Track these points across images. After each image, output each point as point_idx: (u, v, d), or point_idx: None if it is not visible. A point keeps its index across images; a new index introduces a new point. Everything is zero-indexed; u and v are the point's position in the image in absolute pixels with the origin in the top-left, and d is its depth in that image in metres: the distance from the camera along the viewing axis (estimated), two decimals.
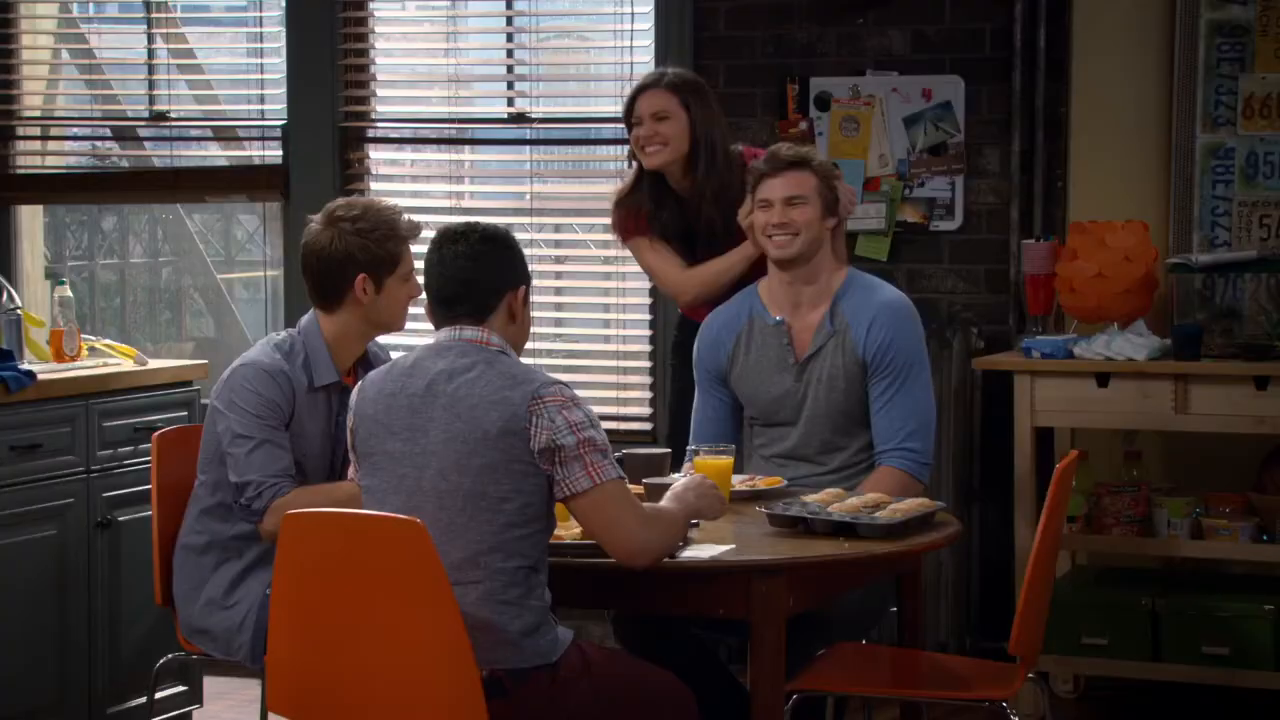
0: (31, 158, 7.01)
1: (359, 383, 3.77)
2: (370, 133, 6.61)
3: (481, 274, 3.68)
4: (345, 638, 3.55)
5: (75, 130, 7.13)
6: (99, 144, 7.15)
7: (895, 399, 4.52)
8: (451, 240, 3.69)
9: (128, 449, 5.11)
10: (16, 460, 4.88)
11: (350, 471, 3.85)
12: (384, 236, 4.25)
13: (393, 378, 3.67)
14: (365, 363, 4.37)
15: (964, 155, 5.94)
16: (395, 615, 3.50)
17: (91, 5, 7.48)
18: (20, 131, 6.99)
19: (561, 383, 3.59)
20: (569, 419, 3.54)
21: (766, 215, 4.61)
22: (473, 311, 3.67)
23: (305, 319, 4.32)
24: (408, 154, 6.71)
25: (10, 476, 4.87)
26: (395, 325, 4.34)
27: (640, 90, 5.05)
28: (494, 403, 3.55)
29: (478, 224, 3.73)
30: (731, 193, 4.93)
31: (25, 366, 4.93)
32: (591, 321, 6.50)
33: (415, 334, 5.71)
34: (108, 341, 5.41)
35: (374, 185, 6.54)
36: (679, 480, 3.95)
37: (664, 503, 3.77)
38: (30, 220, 7.02)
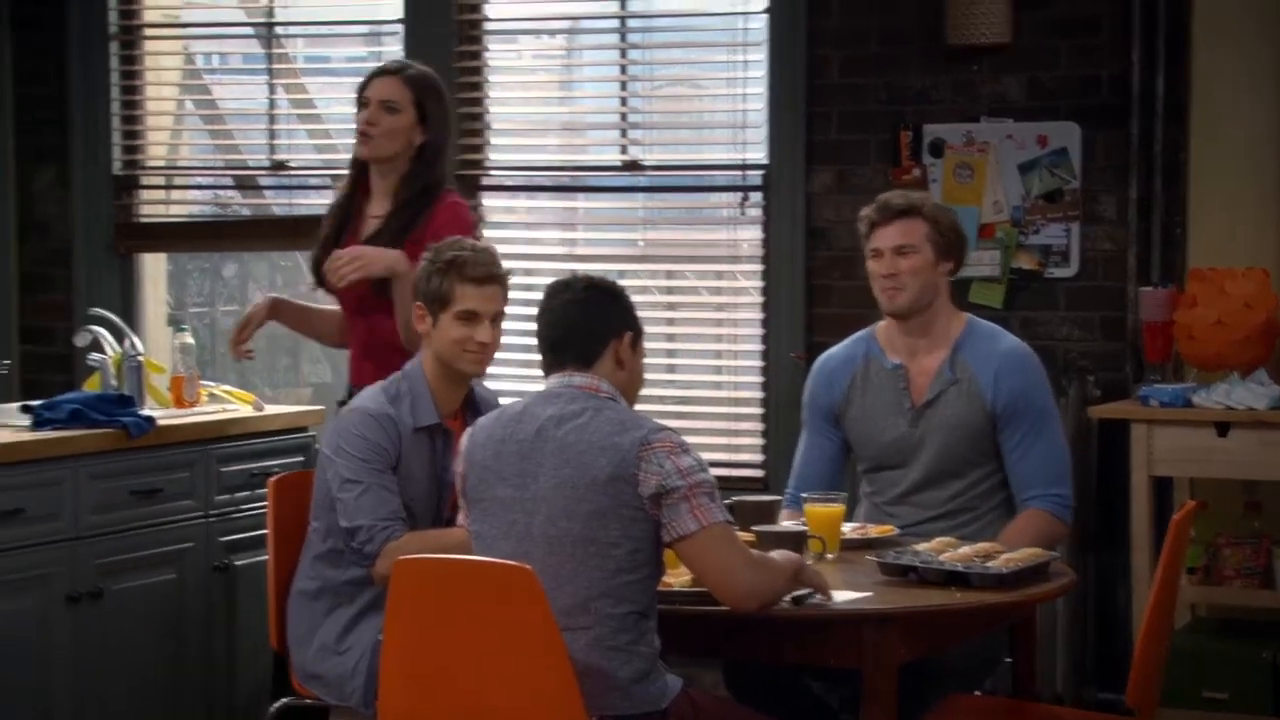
0: (155, 206, 7.10)
1: (469, 429, 3.78)
2: (484, 180, 6.64)
3: (586, 321, 3.69)
4: (456, 684, 3.55)
5: (198, 180, 7.22)
6: (221, 193, 7.24)
7: (1033, 446, 4.50)
8: (560, 289, 3.74)
9: (245, 494, 5.15)
10: (137, 504, 4.93)
11: (460, 518, 3.85)
12: (440, 271, 4.20)
13: (502, 424, 3.68)
14: (474, 407, 4.36)
15: (1080, 201, 5.87)
16: (505, 661, 3.50)
17: (215, 57, 7.57)
18: (145, 181, 7.08)
19: (670, 429, 3.59)
20: (678, 464, 3.52)
21: (878, 265, 4.58)
22: (579, 358, 3.68)
23: (413, 362, 4.33)
24: (521, 201, 6.73)
25: (131, 520, 4.92)
26: (455, 365, 4.24)
27: (378, 73, 4.82)
28: (603, 448, 3.54)
29: (585, 274, 3.77)
30: (414, 230, 4.66)
31: (146, 412, 4.99)
32: (703, 368, 6.47)
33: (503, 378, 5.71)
34: (226, 388, 5.46)
35: (487, 232, 6.57)
36: (788, 525, 3.92)
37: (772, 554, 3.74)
38: (154, 267, 7.11)
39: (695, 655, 3.99)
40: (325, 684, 4.30)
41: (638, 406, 3.77)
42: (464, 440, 3.76)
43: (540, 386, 3.74)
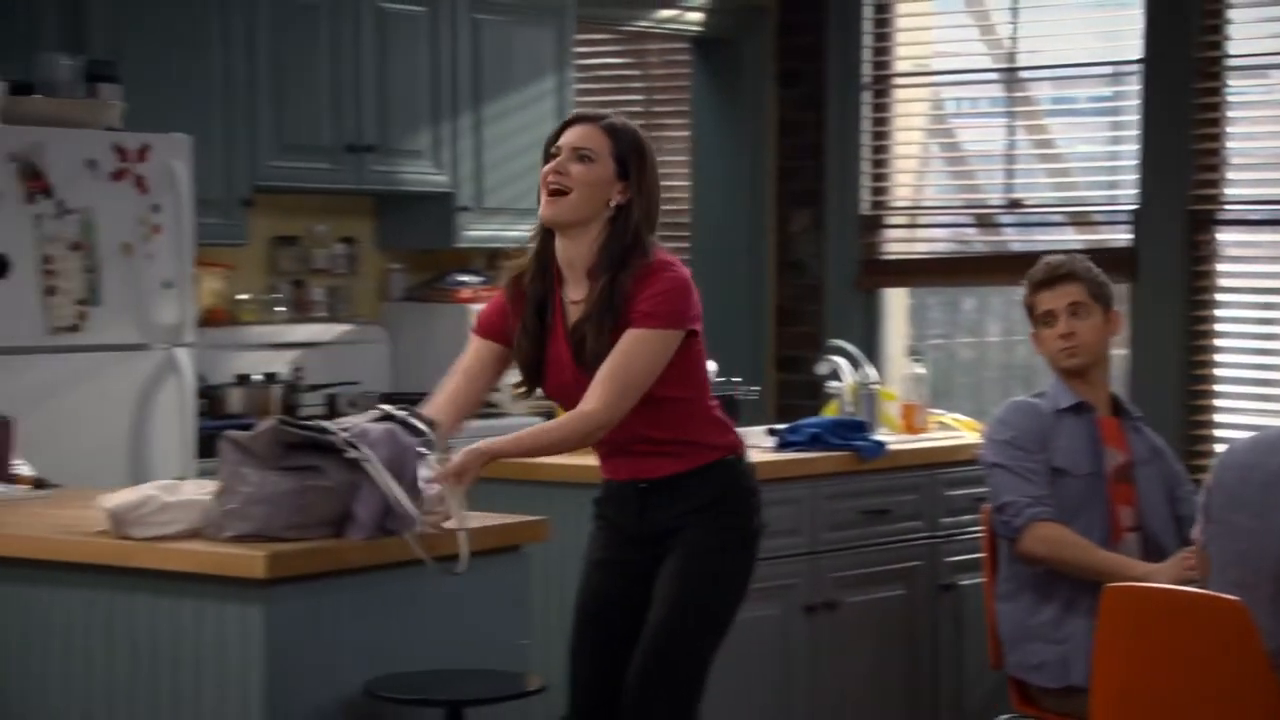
0: (898, 244, 7.24)
1: (1229, 446, 3.66)
2: (1220, 215, 6.41)
3: None
4: (1164, 710, 3.44)
5: (939, 218, 7.31)
6: (961, 230, 7.30)
7: None
8: None
9: (969, 517, 5.15)
10: (867, 524, 5.02)
11: (1195, 531, 3.75)
12: (1027, 285, 4.47)
13: (1256, 451, 3.52)
14: (1124, 408, 4.52)
15: None
16: (1213, 696, 3.36)
17: (960, 101, 7.65)
18: (889, 220, 7.23)
19: None
20: None
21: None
22: None
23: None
24: (1261, 235, 6.46)
25: (861, 539, 5.02)
26: (1058, 365, 4.44)
27: (571, 121, 3.75)
28: None
29: None
30: (625, 311, 3.60)
31: (878, 437, 5.07)
32: None
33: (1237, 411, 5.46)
34: (954, 415, 5.49)
35: (1220, 267, 6.34)
36: None
37: None
38: (895, 302, 7.25)
39: None
40: (1048, 671, 4.30)
41: None
42: (1222, 456, 3.63)
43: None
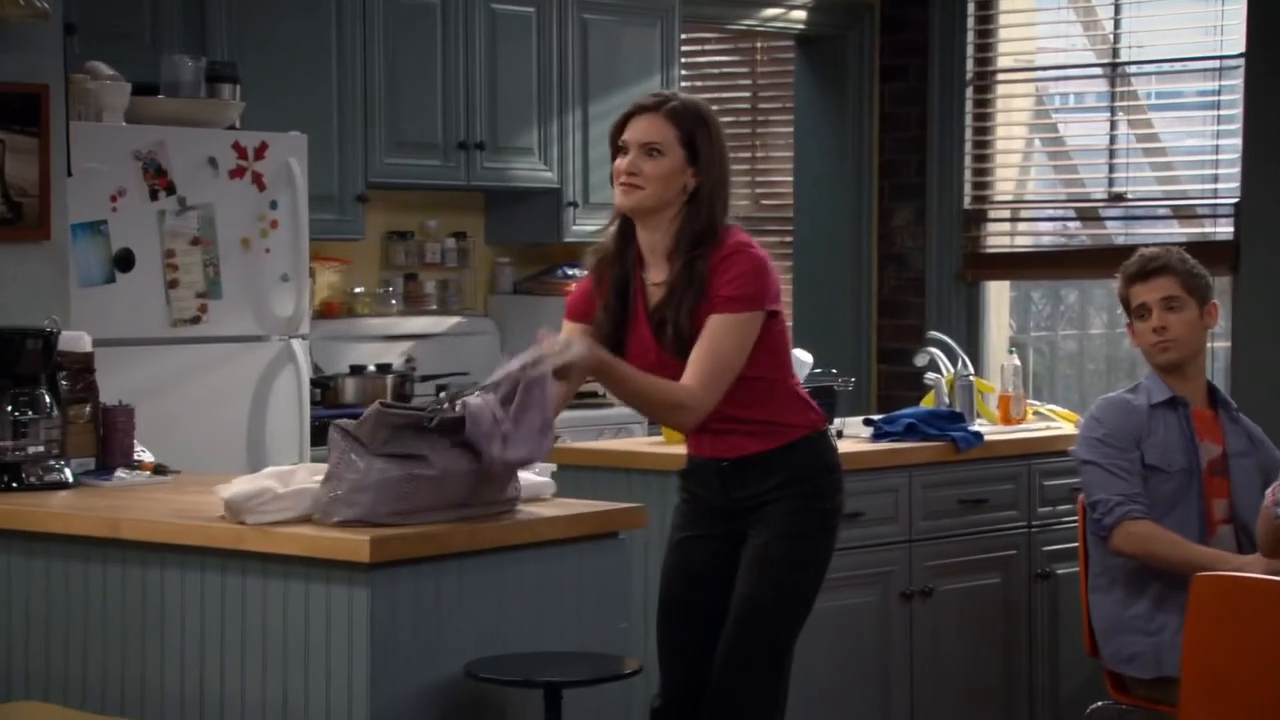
0: (1000, 238, 7.23)
1: None
2: None
3: None
4: (1255, 701, 3.44)
5: (1041, 211, 7.29)
6: (1064, 224, 7.29)
7: None
8: None
9: (1066, 507, 5.15)
10: (964, 513, 5.04)
11: (1269, 496, 3.78)
12: (1121, 278, 4.45)
13: None
14: (1224, 404, 4.49)
15: None
16: None
17: (1064, 96, 7.63)
18: (991, 214, 7.22)
19: None
20: None
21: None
22: None
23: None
24: None
25: (958, 527, 5.04)
26: (1152, 360, 4.43)
27: (635, 111, 3.71)
28: None
29: None
30: (707, 290, 3.61)
31: (974, 428, 5.09)
32: None
33: None
34: (1051, 407, 5.49)
35: None
36: None
37: None
38: (997, 295, 7.24)
39: None
40: (1141, 663, 4.30)
41: None
42: None
43: None
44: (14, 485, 3.83)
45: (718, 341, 3.57)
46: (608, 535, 3.59)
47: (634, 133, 3.62)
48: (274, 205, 5.25)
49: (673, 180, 3.61)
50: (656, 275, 3.66)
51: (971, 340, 6.85)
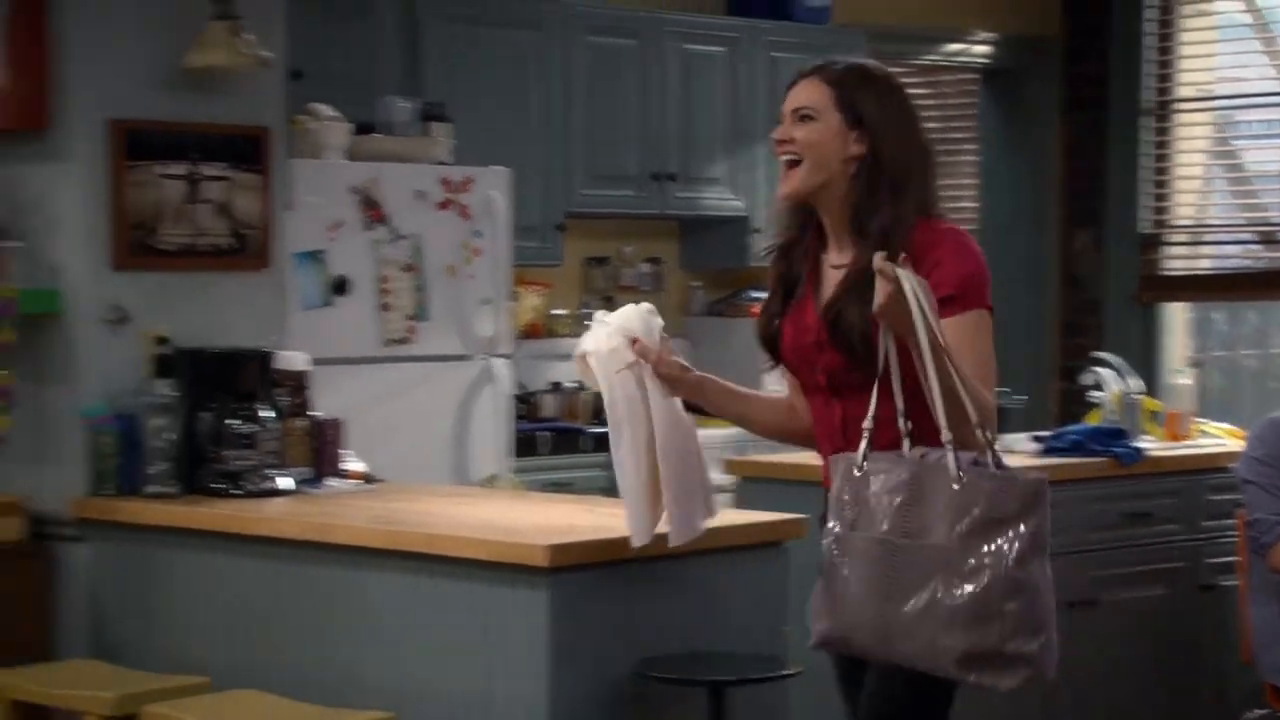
0: (1178, 261, 7.16)
1: None
2: None
3: None
4: None
5: (1220, 235, 7.20)
6: (1244, 247, 7.18)
7: None
8: None
9: (1230, 521, 5.10)
10: (1128, 526, 5.02)
11: None
12: None
13: None
14: None
15: None
16: None
17: (1246, 125, 7.51)
18: (1169, 238, 7.15)
19: None
20: None
21: None
22: None
23: None
24: None
25: (1122, 540, 5.02)
26: None
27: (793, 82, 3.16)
28: None
29: None
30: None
31: (1137, 444, 5.06)
32: None
33: None
34: (1218, 425, 5.44)
35: None
36: None
37: None
38: (1175, 316, 7.16)
39: None
40: None
41: None
42: None
43: None
44: (234, 492, 4.03)
45: (970, 347, 2.94)
46: (771, 544, 3.67)
47: (789, 101, 3.10)
48: (478, 234, 5.41)
49: (829, 147, 3.02)
50: (838, 258, 3.08)
51: (1148, 360, 6.78)
